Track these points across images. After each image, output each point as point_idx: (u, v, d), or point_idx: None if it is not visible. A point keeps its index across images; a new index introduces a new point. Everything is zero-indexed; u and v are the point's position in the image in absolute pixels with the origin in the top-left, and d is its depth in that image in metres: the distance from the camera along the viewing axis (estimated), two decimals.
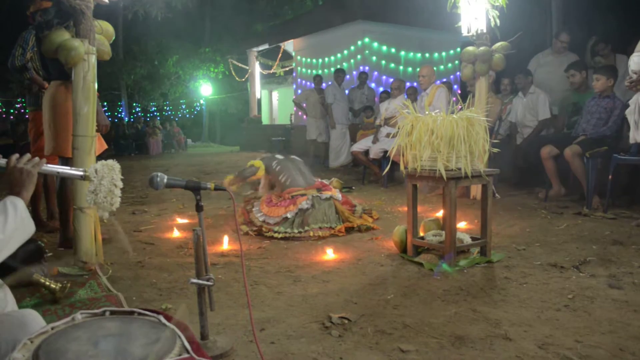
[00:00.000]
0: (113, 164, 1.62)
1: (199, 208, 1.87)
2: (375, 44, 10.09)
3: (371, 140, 6.66)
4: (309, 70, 11.54)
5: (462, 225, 3.90)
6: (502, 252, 3.15)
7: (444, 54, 10.89)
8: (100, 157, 2.45)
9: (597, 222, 3.93)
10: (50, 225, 4.03)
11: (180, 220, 4.47)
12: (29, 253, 2.56)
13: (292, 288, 2.62)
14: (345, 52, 10.46)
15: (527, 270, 2.80)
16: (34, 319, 1.18)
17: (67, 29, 3.01)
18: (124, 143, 16.26)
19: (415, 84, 7.19)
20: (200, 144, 22.47)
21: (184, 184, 1.83)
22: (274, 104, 18.30)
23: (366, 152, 6.72)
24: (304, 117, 9.94)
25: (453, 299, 2.39)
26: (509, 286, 2.56)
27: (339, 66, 9.75)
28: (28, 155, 1.41)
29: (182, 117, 24.44)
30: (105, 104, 19.55)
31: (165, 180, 1.78)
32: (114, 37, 3.29)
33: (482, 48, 4.74)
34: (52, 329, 0.96)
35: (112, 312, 1.05)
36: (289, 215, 3.83)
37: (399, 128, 3.05)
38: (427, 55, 10.60)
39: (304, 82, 11.72)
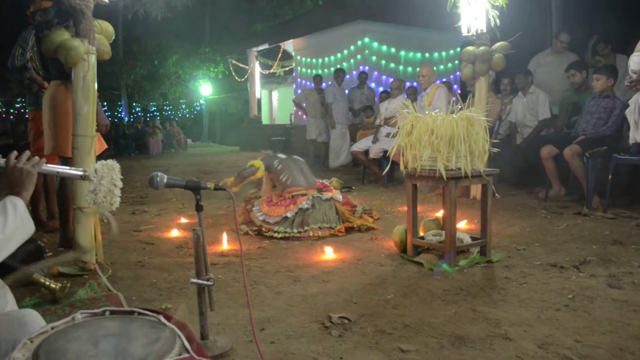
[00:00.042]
0: (113, 164, 1.63)
1: (198, 208, 1.87)
2: (375, 44, 10.08)
3: (371, 140, 6.65)
4: (309, 70, 11.54)
5: (462, 225, 3.90)
6: (502, 252, 3.15)
7: (444, 53, 10.88)
8: (100, 157, 2.45)
9: (597, 222, 3.93)
10: (50, 225, 4.03)
11: (180, 220, 4.47)
12: (29, 253, 2.57)
13: (292, 288, 2.62)
14: (345, 52, 10.46)
15: (527, 270, 2.80)
16: (34, 319, 1.18)
17: (67, 28, 3.01)
18: (123, 143, 16.26)
19: (415, 83, 7.18)
20: (200, 144, 22.48)
21: (183, 183, 1.83)
22: (274, 103, 18.31)
23: (366, 152, 6.71)
24: (304, 117, 9.94)
25: (453, 299, 2.39)
26: (509, 286, 2.56)
27: (339, 66, 9.74)
28: (27, 153, 1.41)
29: (182, 117, 24.44)
30: (105, 103, 19.55)
31: (165, 180, 1.78)
32: (113, 37, 3.29)
33: (482, 48, 4.74)
34: (52, 328, 0.96)
35: (112, 312, 1.05)
36: (289, 215, 3.84)
37: (398, 128, 3.05)
38: (427, 55, 10.60)
39: (303, 82, 11.72)
